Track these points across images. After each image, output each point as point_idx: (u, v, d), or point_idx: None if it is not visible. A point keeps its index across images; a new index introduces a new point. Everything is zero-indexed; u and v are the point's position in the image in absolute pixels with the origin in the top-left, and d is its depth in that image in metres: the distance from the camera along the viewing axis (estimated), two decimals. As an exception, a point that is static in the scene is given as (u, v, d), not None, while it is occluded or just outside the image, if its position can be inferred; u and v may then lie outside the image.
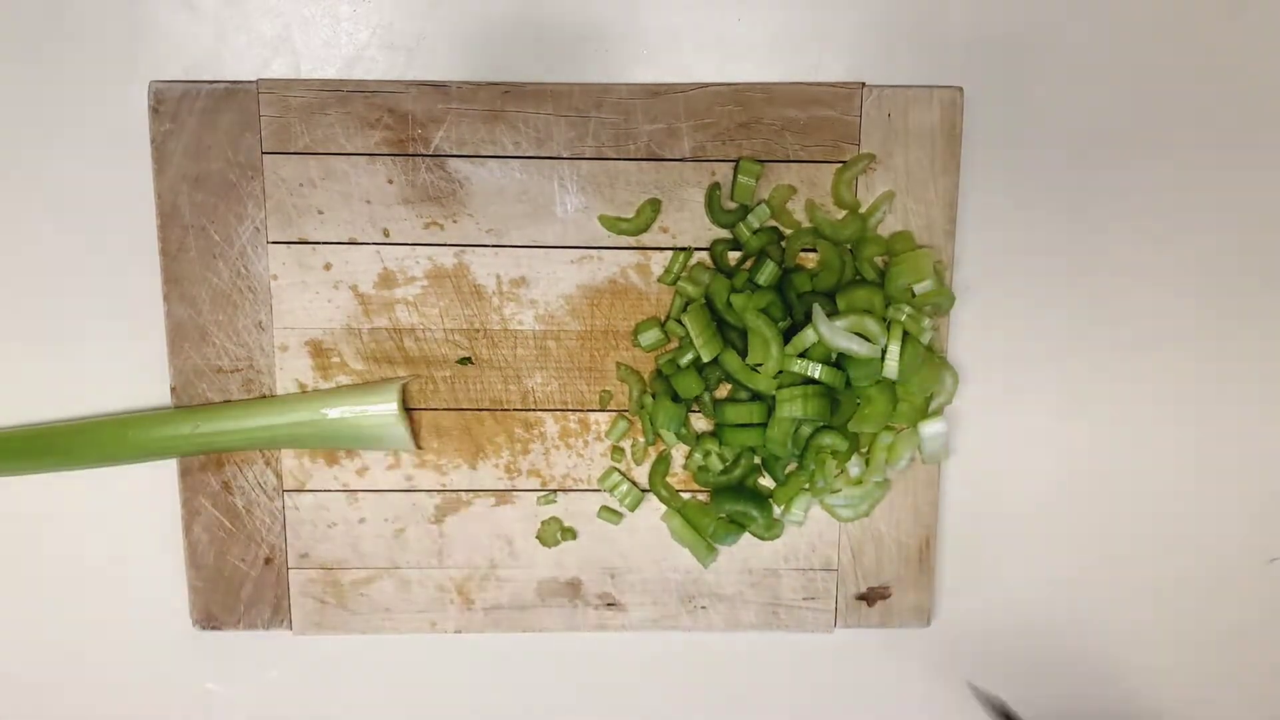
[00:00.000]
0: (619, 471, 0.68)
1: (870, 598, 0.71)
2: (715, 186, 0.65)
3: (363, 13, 0.64)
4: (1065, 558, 0.73)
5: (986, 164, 0.67)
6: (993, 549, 0.72)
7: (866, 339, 0.63)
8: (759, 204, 0.65)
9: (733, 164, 0.65)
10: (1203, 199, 0.68)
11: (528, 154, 0.64)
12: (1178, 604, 0.74)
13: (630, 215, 0.65)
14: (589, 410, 0.68)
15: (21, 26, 0.63)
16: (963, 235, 0.67)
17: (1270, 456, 0.72)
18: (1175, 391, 0.71)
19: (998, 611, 0.73)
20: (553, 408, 0.68)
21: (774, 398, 0.64)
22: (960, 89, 0.65)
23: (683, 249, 0.65)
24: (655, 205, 0.64)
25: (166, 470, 0.67)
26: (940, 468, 0.70)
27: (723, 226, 0.65)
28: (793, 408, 0.63)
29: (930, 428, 0.66)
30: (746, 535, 0.69)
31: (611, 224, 0.65)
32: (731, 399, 0.66)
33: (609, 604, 0.70)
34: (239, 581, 0.68)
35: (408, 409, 0.67)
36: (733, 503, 0.67)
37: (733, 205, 0.65)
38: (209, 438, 0.64)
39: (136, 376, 0.67)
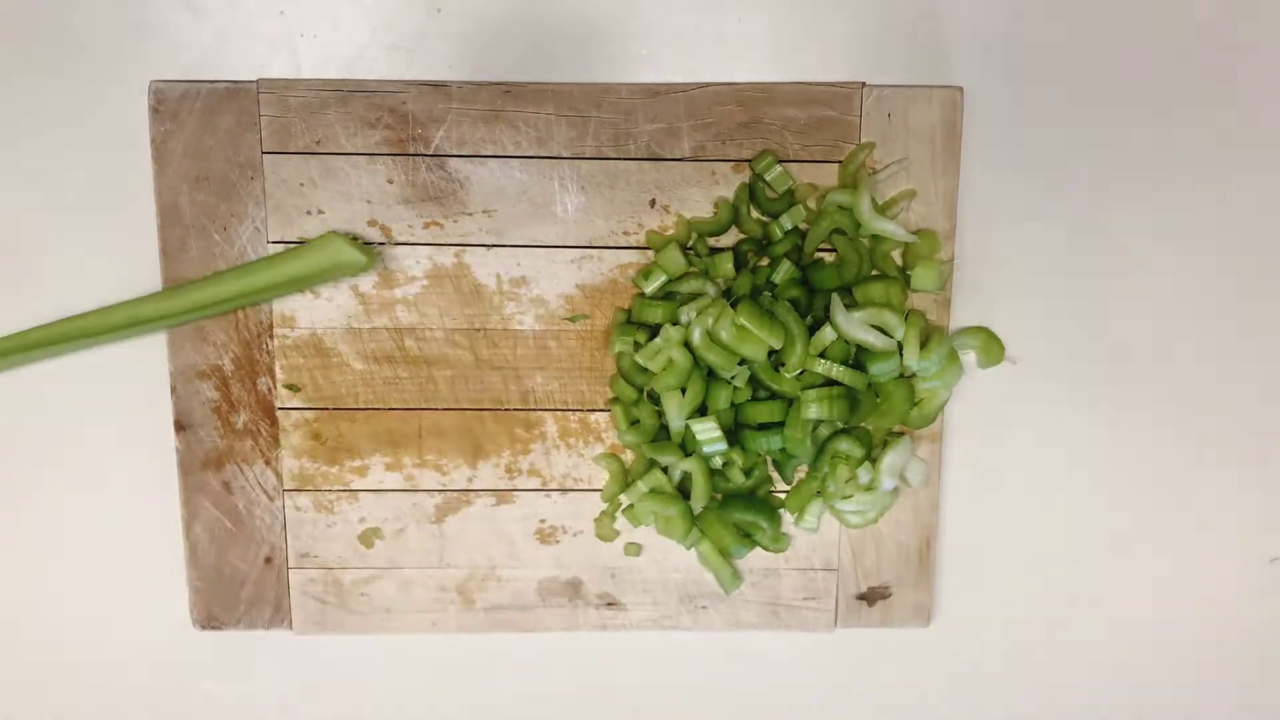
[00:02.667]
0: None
1: (870, 597, 0.71)
2: (757, 179, 0.64)
3: (363, 13, 0.64)
4: (1065, 557, 0.73)
5: (986, 164, 0.67)
6: (993, 549, 0.72)
7: (885, 333, 0.64)
8: (794, 206, 0.64)
9: (731, 164, 0.65)
10: (1204, 198, 0.68)
11: (528, 154, 0.64)
12: (1178, 604, 0.74)
13: (708, 216, 0.65)
14: (590, 410, 0.68)
15: (22, 26, 0.63)
16: (963, 234, 0.68)
17: (1271, 456, 0.72)
18: (1176, 390, 0.71)
19: (998, 611, 0.73)
20: (553, 407, 0.68)
21: (795, 398, 0.64)
22: (960, 89, 0.65)
23: (706, 252, 0.65)
24: (731, 207, 0.65)
25: (167, 469, 0.67)
26: (940, 468, 0.70)
27: (771, 216, 0.65)
28: (818, 409, 0.63)
29: (895, 455, 0.67)
30: (748, 535, 0.69)
31: (696, 225, 0.65)
32: (752, 400, 0.65)
33: (609, 604, 0.70)
34: (239, 581, 0.68)
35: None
36: (743, 511, 0.67)
37: (775, 194, 0.65)
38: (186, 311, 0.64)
39: (136, 375, 0.67)
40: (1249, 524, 0.73)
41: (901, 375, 0.65)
